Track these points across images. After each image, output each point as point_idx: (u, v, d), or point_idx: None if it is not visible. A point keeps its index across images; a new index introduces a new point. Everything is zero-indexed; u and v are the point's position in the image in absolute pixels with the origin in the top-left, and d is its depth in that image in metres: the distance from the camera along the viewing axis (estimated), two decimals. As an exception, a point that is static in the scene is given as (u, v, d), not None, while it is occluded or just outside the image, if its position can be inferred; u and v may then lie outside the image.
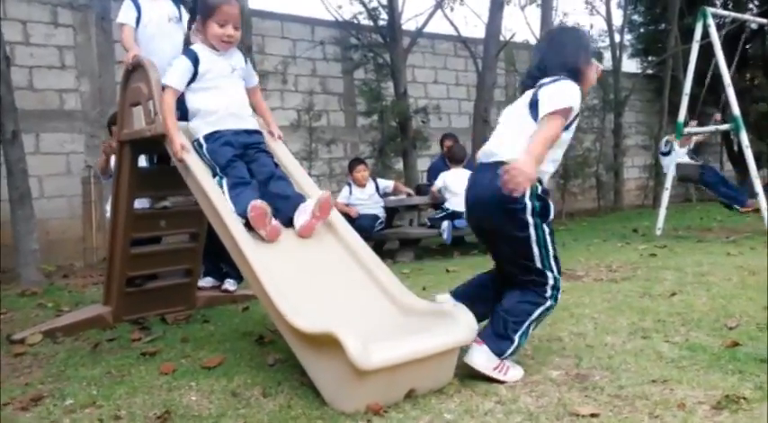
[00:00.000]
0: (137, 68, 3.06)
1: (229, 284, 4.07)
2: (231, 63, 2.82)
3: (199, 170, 2.63)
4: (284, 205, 2.59)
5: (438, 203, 6.26)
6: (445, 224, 5.93)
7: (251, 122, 2.81)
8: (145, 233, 3.49)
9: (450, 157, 6.41)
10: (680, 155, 7.16)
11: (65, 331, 3.16)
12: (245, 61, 2.91)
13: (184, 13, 3.69)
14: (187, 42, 3.32)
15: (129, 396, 2.19)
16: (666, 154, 7.41)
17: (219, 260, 4.12)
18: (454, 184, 6.09)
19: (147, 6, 3.47)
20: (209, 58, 2.76)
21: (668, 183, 6.98)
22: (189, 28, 3.47)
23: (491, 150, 2.30)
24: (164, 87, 2.74)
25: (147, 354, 2.72)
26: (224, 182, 2.59)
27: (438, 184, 6.17)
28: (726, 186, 6.99)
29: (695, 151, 7.67)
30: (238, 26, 2.76)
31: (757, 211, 6.61)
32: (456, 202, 6.04)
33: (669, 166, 7.12)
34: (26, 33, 6.73)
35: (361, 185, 6.27)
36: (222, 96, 2.75)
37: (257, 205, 2.43)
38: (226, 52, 2.81)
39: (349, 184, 6.35)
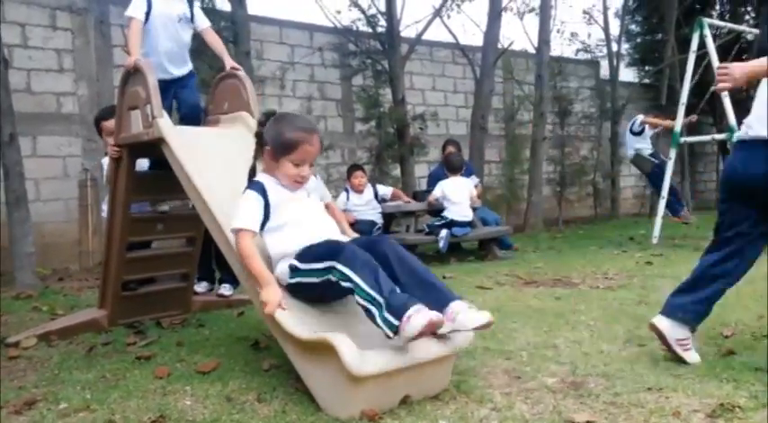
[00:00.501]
0: (135, 72, 3.07)
1: (225, 289, 4.06)
2: (306, 187, 2.40)
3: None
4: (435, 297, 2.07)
5: (437, 210, 6.26)
6: (443, 232, 5.94)
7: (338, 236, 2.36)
8: (142, 237, 3.49)
9: (448, 166, 6.40)
10: (646, 141, 7.61)
11: (59, 335, 3.14)
12: (316, 177, 2.53)
13: (197, 12, 3.69)
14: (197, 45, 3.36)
15: (124, 400, 2.18)
16: (638, 134, 7.61)
17: (217, 266, 4.12)
18: (453, 193, 6.09)
19: (158, 2, 3.48)
20: (278, 190, 2.30)
21: (665, 191, 7.00)
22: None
23: None
24: (236, 232, 2.24)
25: (142, 358, 2.71)
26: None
27: (436, 193, 6.17)
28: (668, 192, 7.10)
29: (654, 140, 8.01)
30: (313, 163, 2.37)
31: (686, 223, 7.28)
32: (455, 211, 6.04)
33: (633, 146, 7.56)
34: (24, 36, 6.73)
35: (359, 192, 6.27)
36: (305, 229, 2.28)
37: (434, 320, 1.90)
38: None
39: (346, 190, 6.36)
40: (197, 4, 3.78)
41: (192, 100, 3.70)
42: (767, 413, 1.83)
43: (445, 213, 6.08)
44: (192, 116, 3.57)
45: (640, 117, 7.68)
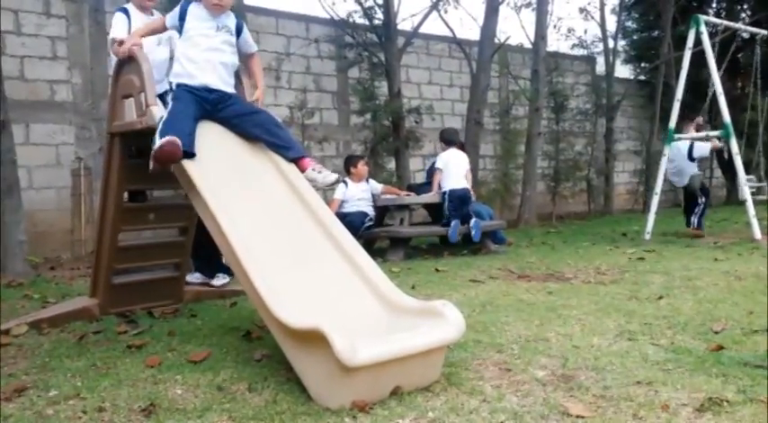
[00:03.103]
0: (129, 60, 3.05)
1: (218, 280, 4.06)
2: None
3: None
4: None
5: (434, 204, 6.34)
6: (453, 223, 5.99)
7: None
8: (133, 226, 3.47)
9: (444, 139, 6.61)
10: (697, 164, 7.22)
11: (50, 323, 3.13)
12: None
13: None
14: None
15: (114, 388, 2.18)
16: (694, 160, 7.15)
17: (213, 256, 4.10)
18: (450, 163, 6.28)
19: (137, 20, 3.44)
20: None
21: (658, 188, 7.02)
22: None
23: None
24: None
25: (133, 347, 2.70)
26: None
27: (439, 164, 6.38)
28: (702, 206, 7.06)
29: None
30: None
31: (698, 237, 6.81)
32: (452, 182, 6.20)
33: (690, 172, 7.06)
34: (18, 23, 6.68)
35: (360, 181, 6.27)
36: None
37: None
38: None
39: (345, 182, 6.33)
40: None
41: None
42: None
43: (443, 187, 6.23)
44: None
45: (707, 146, 7.15)
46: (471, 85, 9.44)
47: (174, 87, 2.85)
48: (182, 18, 2.91)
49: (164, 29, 3.06)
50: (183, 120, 2.68)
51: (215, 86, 2.86)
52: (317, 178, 2.86)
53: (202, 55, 2.86)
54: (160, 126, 2.64)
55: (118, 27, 3.40)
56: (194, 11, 2.90)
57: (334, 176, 2.91)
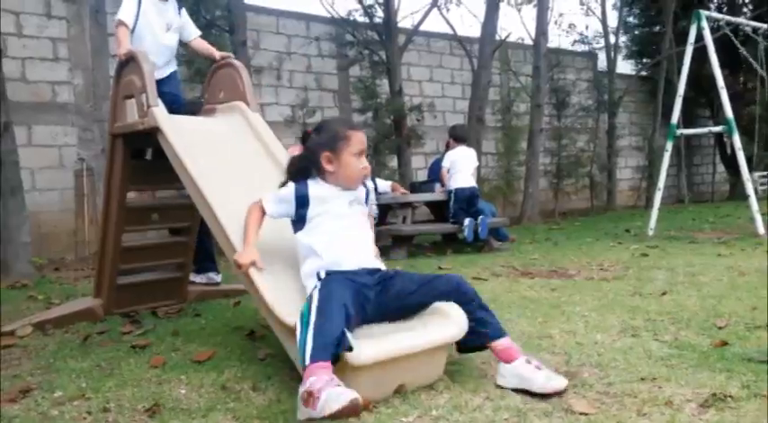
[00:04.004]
0: (130, 61, 3.06)
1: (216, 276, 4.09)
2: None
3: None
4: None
5: (445, 202, 6.34)
6: (467, 221, 5.99)
7: None
8: (137, 227, 3.48)
9: (456, 136, 6.58)
10: None
11: (55, 323, 3.15)
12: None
13: (186, 22, 3.65)
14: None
15: (119, 389, 2.18)
16: None
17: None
18: (459, 161, 6.26)
19: (149, 7, 3.45)
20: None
21: (661, 183, 7.01)
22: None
23: None
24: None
25: (138, 347, 2.71)
26: None
27: (445, 164, 6.36)
28: None
29: None
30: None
31: None
32: (459, 179, 6.19)
33: None
34: (19, 25, 6.69)
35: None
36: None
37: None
38: None
39: None
40: (185, 13, 3.73)
41: (172, 95, 3.66)
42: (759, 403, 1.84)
43: (450, 185, 6.22)
44: (173, 109, 3.53)
45: None
46: (472, 83, 9.43)
47: (319, 279, 2.11)
48: (302, 205, 2.25)
49: (263, 216, 2.33)
50: (336, 316, 1.86)
51: (372, 266, 2.22)
52: (536, 379, 1.95)
53: (346, 240, 2.22)
54: (312, 328, 1.83)
55: (126, 9, 3.41)
56: (317, 192, 2.27)
57: (564, 383, 1.94)
